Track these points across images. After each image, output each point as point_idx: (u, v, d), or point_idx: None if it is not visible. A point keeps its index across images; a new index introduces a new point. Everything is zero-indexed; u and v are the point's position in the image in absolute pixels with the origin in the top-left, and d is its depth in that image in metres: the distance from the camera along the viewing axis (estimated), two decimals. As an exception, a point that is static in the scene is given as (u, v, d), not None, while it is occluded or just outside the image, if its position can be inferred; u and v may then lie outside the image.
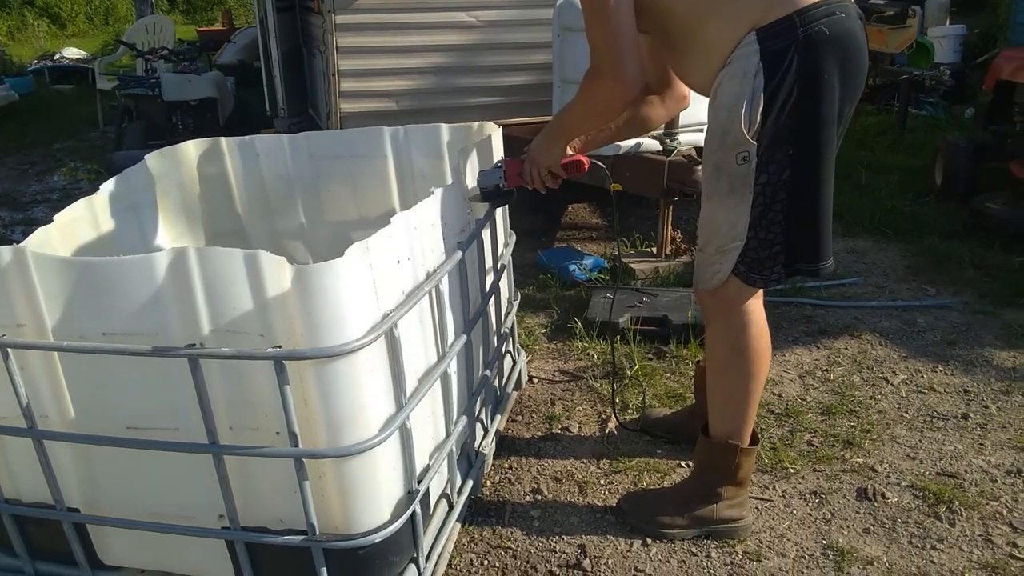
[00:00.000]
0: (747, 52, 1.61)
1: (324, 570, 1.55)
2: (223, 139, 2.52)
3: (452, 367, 1.80)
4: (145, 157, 2.36)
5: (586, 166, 2.01)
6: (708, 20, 1.68)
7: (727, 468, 1.92)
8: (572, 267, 3.40)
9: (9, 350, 1.48)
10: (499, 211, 2.24)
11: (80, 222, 2.04)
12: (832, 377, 2.69)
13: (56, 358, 1.52)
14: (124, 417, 1.53)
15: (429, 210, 1.67)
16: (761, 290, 1.85)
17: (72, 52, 11.87)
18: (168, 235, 2.41)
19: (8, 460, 1.65)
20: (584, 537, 1.99)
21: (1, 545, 1.79)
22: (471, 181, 2.02)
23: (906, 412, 2.48)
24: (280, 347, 1.39)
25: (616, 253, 3.53)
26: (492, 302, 2.16)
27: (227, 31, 11.42)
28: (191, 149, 2.49)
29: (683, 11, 1.72)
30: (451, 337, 1.80)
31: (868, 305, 3.20)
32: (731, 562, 1.90)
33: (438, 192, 1.73)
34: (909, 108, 5.86)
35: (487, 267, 2.08)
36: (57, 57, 11.36)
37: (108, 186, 2.16)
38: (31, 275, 1.44)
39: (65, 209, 1.99)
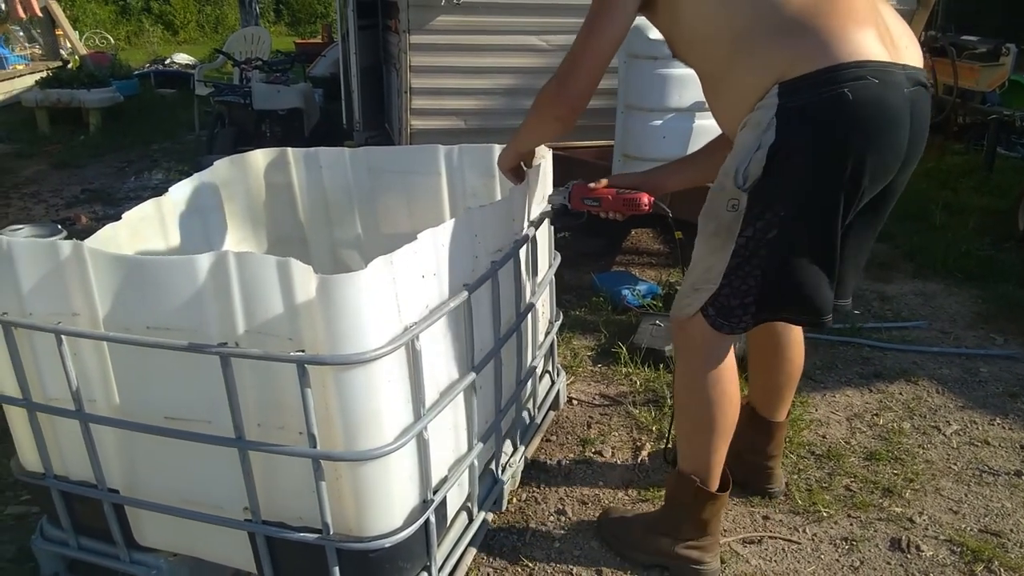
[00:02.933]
0: (768, 104, 1.54)
1: (336, 569, 1.60)
2: (290, 150, 2.63)
3: (479, 382, 1.84)
4: (215, 163, 2.49)
5: (647, 206, 1.97)
6: (737, 65, 1.62)
7: (688, 506, 1.88)
8: (625, 292, 3.40)
9: (63, 336, 1.59)
10: (543, 232, 2.28)
11: (148, 221, 2.16)
12: (881, 422, 2.62)
13: (105, 347, 1.62)
14: (163, 407, 1.62)
15: (459, 228, 1.72)
16: (734, 338, 1.79)
17: (181, 58, 12.53)
18: (232, 239, 2.53)
19: (59, 439, 1.77)
20: (602, 563, 2.00)
21: (50, 519, 1.92)
22: (509, 201, 2.05)
23: (955, 464, 2.39)
24: (303, 351, 1.45)
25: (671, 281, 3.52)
26: (529, 321, 2.20)
27: (325, 44, 11.83)
28: (259, 158, 2.60)
29: (716, 53, 1.68)
30: (479, 353, 1.83)
31: (929, 350, 3.09)
32: (749, 601, 1.88)
33: (470, 211, 1.78)
34: (999, 149, 5.63)
35: (524, 286, 2.11)
36: (168, 62, 12.00)
37: (177, 188, 2.28)
38: (87, 268, 1.54)
39: (134, 208, 2.12)
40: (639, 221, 4.32)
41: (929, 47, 6.13)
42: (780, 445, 2.20)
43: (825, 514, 2.16)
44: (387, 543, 1.58)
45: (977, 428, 2.58)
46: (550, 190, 2.26)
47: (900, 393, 2.80)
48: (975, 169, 5.60)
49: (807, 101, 1.51)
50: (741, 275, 1.65)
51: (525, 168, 2.10)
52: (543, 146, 2.37)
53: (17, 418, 1.80)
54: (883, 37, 1.55)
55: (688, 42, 1.73)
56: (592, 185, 2.01)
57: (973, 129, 6.20)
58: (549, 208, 2.09)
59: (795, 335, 2.04)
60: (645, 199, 1.96)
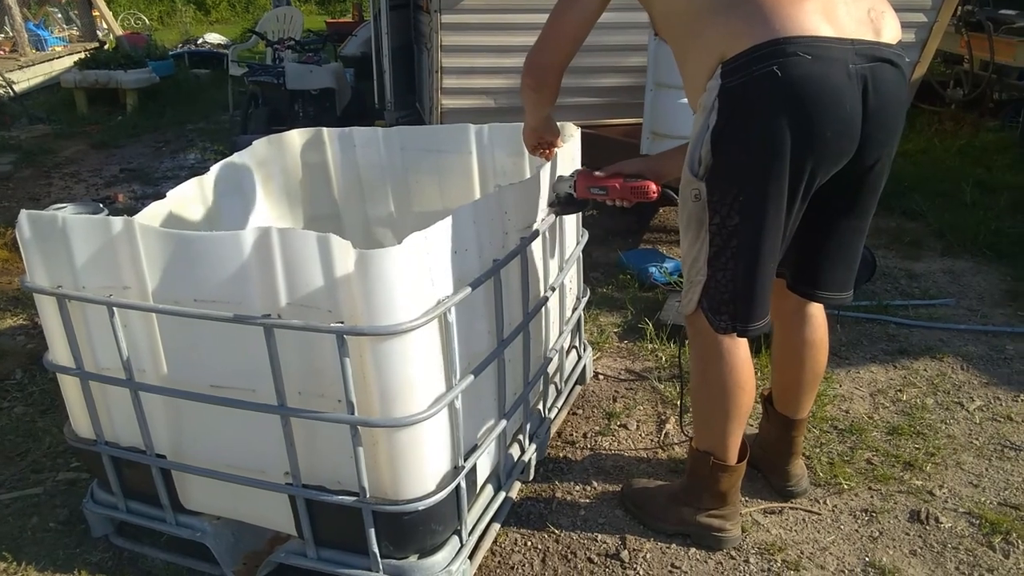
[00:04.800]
0: (712, 85, 1.54)
1: (372, 530, 1.69)
2: (325, 129, 2.71)
3: (508, 355, 1.91)
4: (254, 143, 2.57)
5: (654, 194, 1.95)
6: (691, 44, 1.62)
7: (705, 478, 1.93)
8: (652, 269, 3.44)
9: (115, 308, 1.68)
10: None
11: (190, 199, 2.25)
12: (904, 398, 2.65)
13: (154, 318, 1.71)
14: (209, 376, 1.71)
15: (490, 205, 1.78)
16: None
17: (213, 38, 12.62)
18: (270, 216, 2.61)
19: (109, 407, 1.87)
20: (626, 530, 2.06)
21: (100, 483, 2.03)
22: (538, 179, 2.10)
23: (976, 439, 2.42)
24: (342, 323, 1.53)
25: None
26: (557, 296, 2.25)
27: (355, 23, 11.85)
28: (296, 137, 2.68)
29: (676, 31, 1.69)
30: (508, 326, 1.90)
31: (955, 328, 3.10)
32: (769, 569, 1.94)
33: (500, 189, 1.84)
34: (1035, 126, 5.55)
35: (552, 262, 2.17)
36: (200, 42, 12.12)
37: (217, 167, 2.37)
38: (137, 244, 1.63)
39: (178, 187, 2.21)
40: (668, 199, 4.35)
41: (965, 21, 6.04)
42: (799, 443, 2.14)
43: (846, 486, 2.21)
44: (420, 506, 1.66)
45: (1000, 404, 2.60)
46: (578, 167, 2.30)
47: (924, 369, 2.82)
48: (1010, 146, 5.51)
49: (742, 80, 1.50)
50: (720, 264, 1.66)
51: (556, 146, 2.14)
52: (572, 125, 2.42)
53: (70, 387, 1.90)
54: (828, 11, 1.51)
55: (657, 19, 1.73)
56: (598, 173, 2.00)
57: (1009, 105, 6.10)
58: (553, 196, 2.08)
59: (819, 337, 1.99)
60: (653, 187, 1.94)
